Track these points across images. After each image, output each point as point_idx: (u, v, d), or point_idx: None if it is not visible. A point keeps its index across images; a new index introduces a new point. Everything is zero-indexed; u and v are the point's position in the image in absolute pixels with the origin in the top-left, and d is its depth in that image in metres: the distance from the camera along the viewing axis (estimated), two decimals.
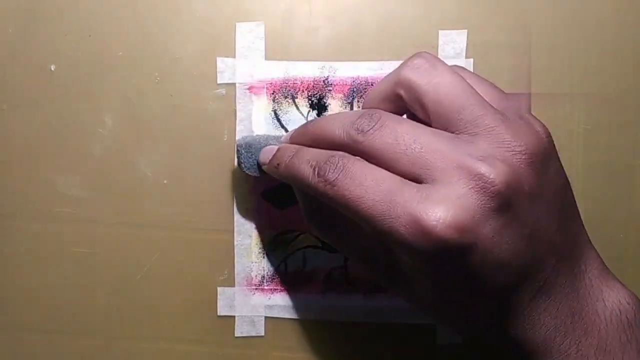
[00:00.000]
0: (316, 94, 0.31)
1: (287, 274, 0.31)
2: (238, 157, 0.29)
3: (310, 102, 0.31)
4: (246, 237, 0.31)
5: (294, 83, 0.31)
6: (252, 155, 0.28)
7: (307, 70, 0.31)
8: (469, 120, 0.21)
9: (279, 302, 0.31)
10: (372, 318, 0.31)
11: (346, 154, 0.22)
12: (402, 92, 0.23)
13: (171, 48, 0.31)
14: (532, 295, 0.22)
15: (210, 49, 0.31)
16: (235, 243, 0.31)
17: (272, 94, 0.31)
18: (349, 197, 0.21)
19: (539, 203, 0.21)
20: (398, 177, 0.21)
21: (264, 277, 0.31)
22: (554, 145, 0.23)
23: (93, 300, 0.32)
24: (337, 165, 0.22)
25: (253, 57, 0.31)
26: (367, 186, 0.21)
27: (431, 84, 0.22)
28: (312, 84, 0.31)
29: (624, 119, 0.31)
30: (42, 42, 0.31)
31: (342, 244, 0.26)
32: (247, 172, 0.28)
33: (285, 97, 0.31)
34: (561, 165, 0.23)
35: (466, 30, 0.30)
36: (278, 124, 0.31)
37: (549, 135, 0.22)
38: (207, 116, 0.31)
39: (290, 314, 0.31)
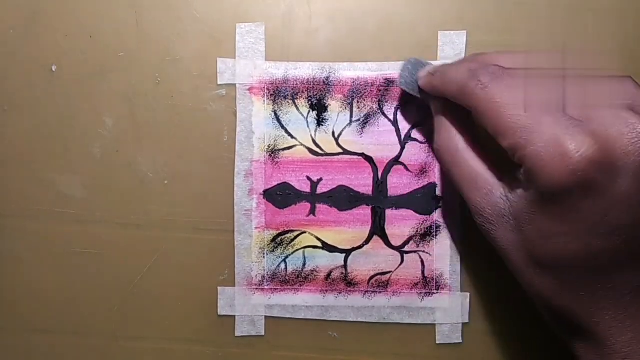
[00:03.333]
0: (316, 94, 0.31)
1: (287, 274, 0.31)
2: (401, 72, 0.29)
3: (310, 102, 0.31)
4: (246, 237, 0.31)
5: (294, 84, 0.31)
6: (414, 69, 0.29)
7: (307, 71, 0.31)
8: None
9: (279, 302, 0.31)
10: (372, 318, 0.31)
11: (506, 68, 0.22)
12: None
13: (171, 49, 0.31)
14: (635, 285, 0.20)
15: (210, 50, 0.31)
16: (236, 243, 0.31)
17: (272, 94, 0.31)
18: (496, 101, 0.21)
19: None
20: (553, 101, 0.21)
21: (264, 277, 0.31)
22: None
23: (93, 300, 0.32)
24: (494, 71, 0.22)
25: (253, 58, 0.31)
26: (518, 96, 0.21)
27: None
28: (312, 84, 0.31)
29: None
30: (42, 43, 0.31)
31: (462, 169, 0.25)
32: (404, 87, 0.29)
33: (285, 98, 0.31)
34: None
35: (465, 31, 0.31)
36: (278, 124, 0.31)
37: None
38: (207, 117, 0.31)
39: (290, 314, 0.31)
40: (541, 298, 0.23)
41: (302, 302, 0.31)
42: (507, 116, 0.21)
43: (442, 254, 0.31)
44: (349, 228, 0.31)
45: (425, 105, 0.29)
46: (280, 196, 0.31)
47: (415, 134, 0.31)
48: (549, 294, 0.22)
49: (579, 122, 0.20)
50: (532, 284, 0.23)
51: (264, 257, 0.31)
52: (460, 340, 0.31)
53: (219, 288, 0.31)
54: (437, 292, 0.31)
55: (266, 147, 0.31)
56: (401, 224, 0.31)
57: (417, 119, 0.31)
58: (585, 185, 0.19)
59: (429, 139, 0.31)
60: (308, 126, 0.31)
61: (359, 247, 0.31)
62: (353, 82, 0.31)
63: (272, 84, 0.31)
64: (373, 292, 0.31)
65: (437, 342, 0.31)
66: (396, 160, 0.31)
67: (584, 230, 0.20)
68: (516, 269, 0.24)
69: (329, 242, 0.31)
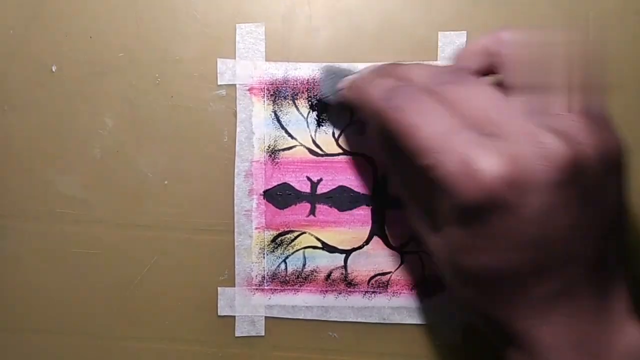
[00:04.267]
0: (316, 94, 0.31)
1: (287, 274, 0.31)
2: (321, 83, 0.30)
3: (310, 103, 0.31)
4: (246, 237, 0.31)
5: (294, 84, 0.31)
6: (334, 80, 0.29)
7: (307, 71, 0.31)
8: (559, 99, 0.21)
9: (279, 302, 0.31)
10: (372, 318, 0.31)
11: (421, 88, 0.22)
12: (501, 49, 0.23)
13: (171, 49, 0.31)
14: (550, 293, 0.21)
15: (210, 50, 0.31)
16: (236, 243, 0.31)
17: (272, 95, 0.31)
18: (408, 124, 0.21)
19: (590, 207, 0.20)
20: (464, 122, 0.21)
21: (264, 277, 0.31)
22: (624, 161, 0.21)
23: (93, 300, 0.32)
24: (407, 92, 0.22)
25: (253, 58, 0.31)
26: (429, 118, 0.21)
27: (533, 46, 0.22)
28: (312, 84, 0.31)
29: (623, 118, 0.31)
30: (43, 43, 0.31)
31: (400, 172, 0.26)
32: (323, 96, 0.30)
33: (285, 98, 0.31)
34: (624, 190, 0.22)
35: (465, 32, 0.31)
36: (278, 124, 0.31)
37: (623, 149, 0.21)
38: (207, 117, 0.31)
39: (290, 314, 0.31)
40: (469, 306, 0.23)
41: (302, 302, 0.31)
42: (419, 138, 0.21)
43: None
44: (349, 228, 0.31)
45: None
46: (280, 196, 0.31)
47: None
48: (475, 303, 0.23)
49: (491, 140, 0.20)
50: (459, 292, 0.23)
51: (264, 257, 0.31)
52: (460, 341, 0.31)
53: (219, 288, 0.31)
54: (437, 293, 0.31)
55: (266, 148, 0.31)
56: (401, 224, 0.31)
57: None
58: (496, 203, 0.19)
59: None
60: (308, 126, 0.31)
61: (359, 248, 0.31)
62: None
63: (272, 84, 0.31)
64: (373, 292, 0.31)
65: (437, 342, 0.31)
66: None
67: (499, 246, 0.20)
68: (446, 277, 0.24)
69: (329, 243, 0.31)
